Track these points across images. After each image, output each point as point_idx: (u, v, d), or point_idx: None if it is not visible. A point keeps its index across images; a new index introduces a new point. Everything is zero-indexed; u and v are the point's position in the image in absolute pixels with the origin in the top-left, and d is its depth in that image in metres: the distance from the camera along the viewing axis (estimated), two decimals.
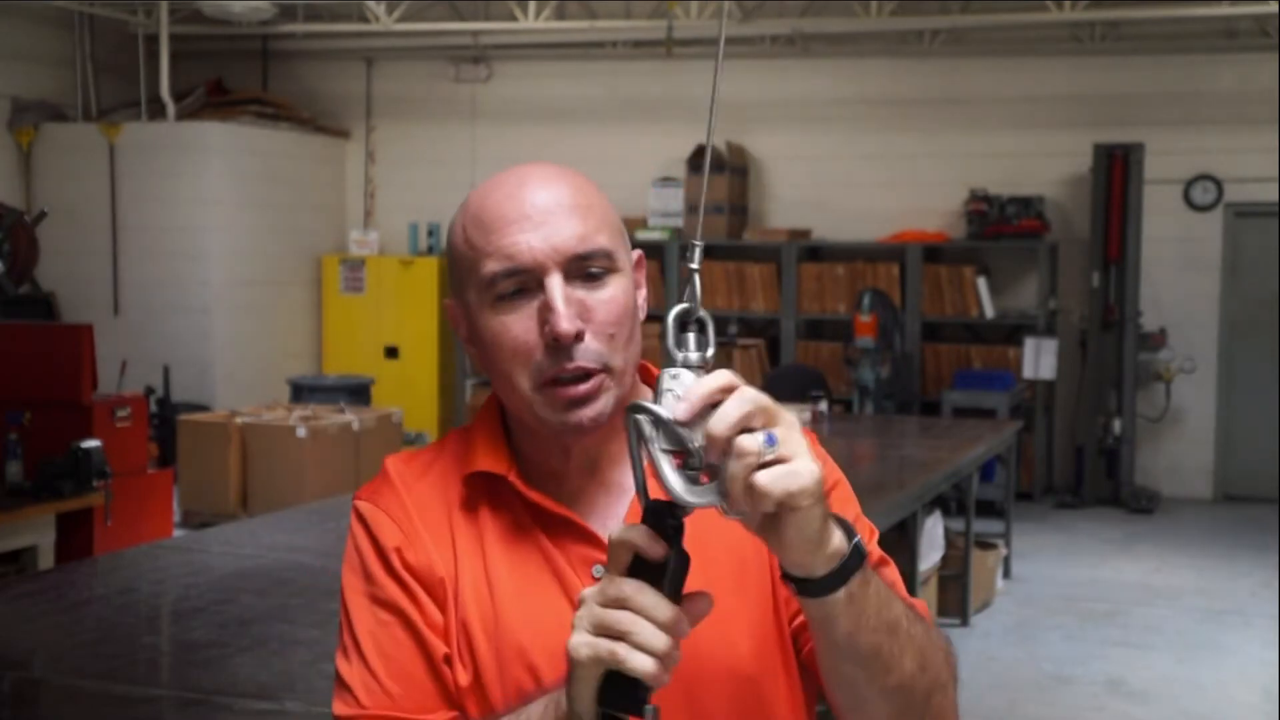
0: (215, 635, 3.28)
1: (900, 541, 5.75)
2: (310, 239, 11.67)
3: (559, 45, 11.37)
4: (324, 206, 11.88)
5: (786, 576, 1.19)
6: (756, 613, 1.39)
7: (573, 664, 1.17)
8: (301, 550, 4.24)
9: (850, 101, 10.81)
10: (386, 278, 11.46)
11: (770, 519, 1.14)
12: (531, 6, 10.54)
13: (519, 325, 1.34)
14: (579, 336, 1.32)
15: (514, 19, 10.67)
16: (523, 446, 1.43)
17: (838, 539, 1.18)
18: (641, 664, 1.14)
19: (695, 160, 10.56)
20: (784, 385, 8.86)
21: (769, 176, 11.05)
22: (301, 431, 8.41)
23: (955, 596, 6.76)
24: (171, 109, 10.89)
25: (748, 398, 1.12)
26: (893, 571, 1.39)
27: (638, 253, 1.42)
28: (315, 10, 11.26)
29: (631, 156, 10.61)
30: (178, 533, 7.19)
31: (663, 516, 1.16)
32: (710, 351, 1.18)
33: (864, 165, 10.76)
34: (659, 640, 1.14)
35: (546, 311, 1.32)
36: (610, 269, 1.36)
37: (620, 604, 1.15)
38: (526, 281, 1.34)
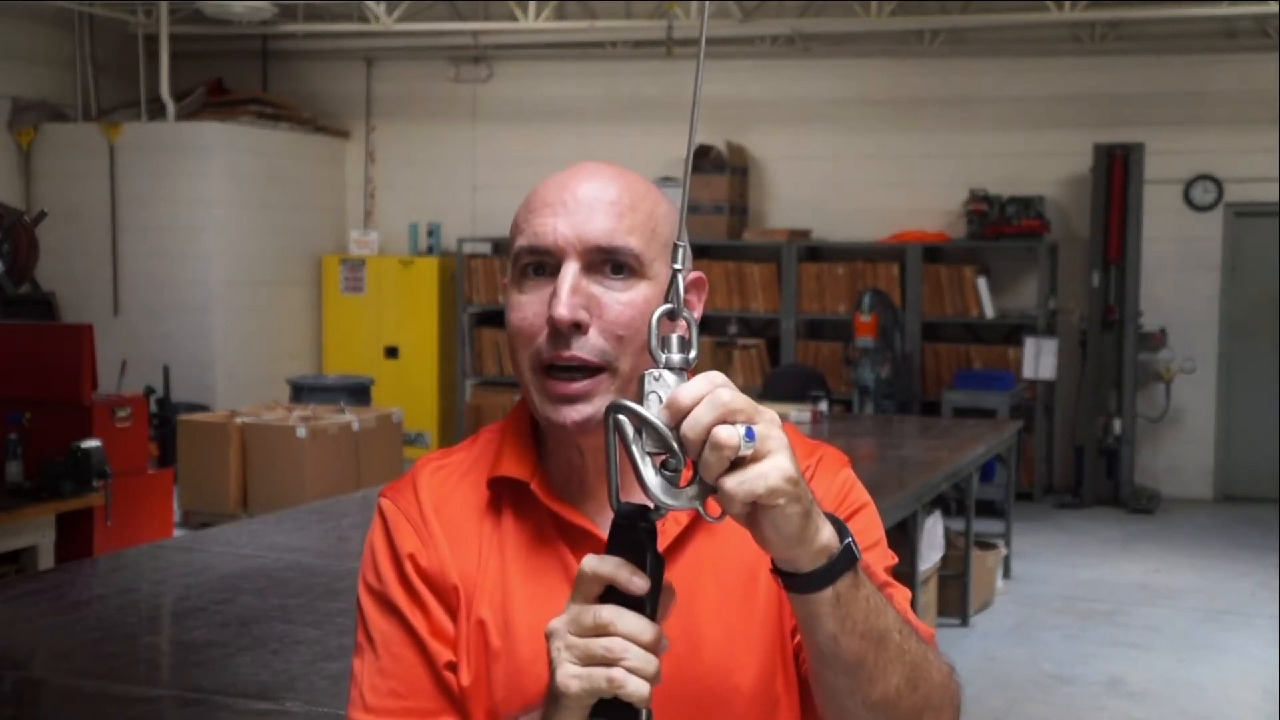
0: (215, 635, 3.28)
1: (900, 541, 5.75)
2: (310, 239, 11.67)
3: (559, 45, 11.37)
4: (324, 206, 11.88)
5: (775, 570, 1.18)
6: (764, 629, 1.37)
7: (560, 698, 1.13)
8: (301, 550, 4.24)
9: (850, 101, 10.81)
10: (386, 278, 11.47)
11: (750, 512, 1.12)
12: (531, 6, 10.53)
13: (531, 306, 1.35)
14: (579, 327, 1.32)
15: (514, 19, 10.66)
16: (549, 445, 1.42)
17: (826, 536, 1.15)
18: (639, 689, 1.11)
19: (696, 161, 10.54)
20: (784, 385, 8.87)
21: (769, 176, 11.05)
22: (301, 431, 8.40)
23: (955, 596, 6.76)
24: (171, 109, 10.89)
25: (731, 393, 1.11)
26: (900, 595, 1.36)
27: (697, 274, 1.37)
28: (315, 10, 11.26)
29: (631, 156, 10.58)
30: (178, 533, 7.18)
31: (635, 520, 1.15)
32: (693, 354, 1.16)
33: (864, 165, 10.76)
34: (650, 663, 1.12)
35: (553, 296, 1.32)
36: (637, 273, 1.34)
37: (603, 631, 1.12)
38: (547, 263, 1.34)
